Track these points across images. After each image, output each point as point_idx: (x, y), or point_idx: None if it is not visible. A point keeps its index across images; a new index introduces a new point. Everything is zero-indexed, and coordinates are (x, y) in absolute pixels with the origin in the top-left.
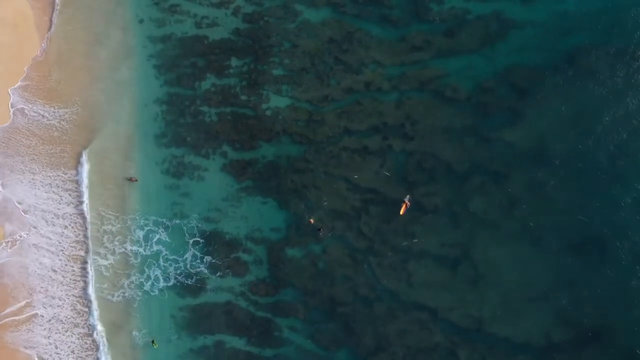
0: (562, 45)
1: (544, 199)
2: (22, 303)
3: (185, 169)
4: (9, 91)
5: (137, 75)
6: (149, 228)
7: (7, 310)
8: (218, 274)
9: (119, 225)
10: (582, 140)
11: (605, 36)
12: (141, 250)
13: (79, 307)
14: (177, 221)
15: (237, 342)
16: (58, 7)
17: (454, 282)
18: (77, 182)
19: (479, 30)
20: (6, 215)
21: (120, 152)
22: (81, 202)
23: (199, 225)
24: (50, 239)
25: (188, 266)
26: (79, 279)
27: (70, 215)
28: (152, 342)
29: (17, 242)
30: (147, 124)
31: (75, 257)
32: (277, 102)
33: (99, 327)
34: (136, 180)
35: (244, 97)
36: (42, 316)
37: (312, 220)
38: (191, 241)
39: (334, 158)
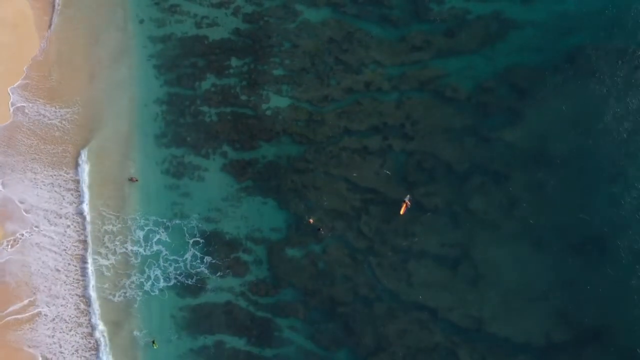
0: (562, 45)
1: (544, 199)
2: (25, 302)
3: (185, 169)
4: (9, 90)
5: (137, 75)
6: (149, 228)
7: (10, 309)
8: (218, 274)
9: (119, 225)
10: (582, 140)
11: (605, 36)
12: (141, 250)
13: (82, 306)
14: (177, 221)
15: (237, 342)
16: (58, 7)
17: (454, 282)
18: (80, 182)
19: (479, 30)
20: (7, 214)
21: (120, 152)
22: (82, 202)
23: (199, 225)
24: (53, 238)
25: (188, 266)
26: (81, 278)
27: (73, 214)
28: (153, 342)
29: (19, 241)
30: (147, 124)
31: (78, 256)
32: (277, 102)
33: (101, 326)
34: (137, 180)
35: (244, 97)
36: (46, 315)
37: (311, 221)
38: (191, 241)
39: (334, 158)
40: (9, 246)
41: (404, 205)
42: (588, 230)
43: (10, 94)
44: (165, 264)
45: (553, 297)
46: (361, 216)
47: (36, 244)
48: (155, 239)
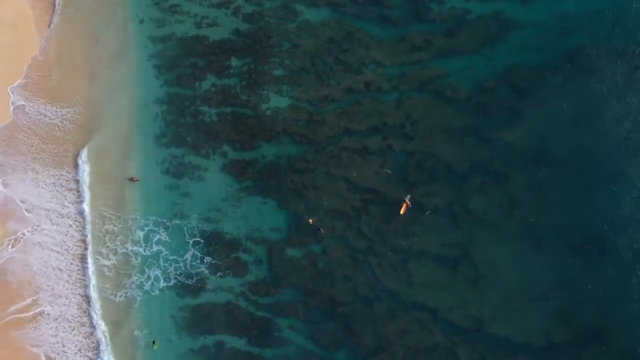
0: (562, 45)
1: (544, 199)
2: (28, 301)
3: (185, 169)
4: (9, 90)
5: (137, 75)
6: (149, 228)
7: (12, 308)
8: (218, 274)
9: (120, 225)
10: (582, 140)
11: (605, 36)
12: (141, 250)
13: (85, 305)
14: (177, 221)
15: (237, 342)
16: (58, 7)
17: (454, 282)
18: (80, 182)
19: (479, 30)
20: (8, 214)
21: (120, 152)
22: (83, 202)
23: (199, 225)
24: (55, 237)
25: (188, 266)
26: (84, 278)
27: (75, 214)
28: (153, 342)
29: (21, 241)
30: (147, 124)
31: (80, 256)
32: (277, 102)
33: (102, 326)
34: (137, 180)
35: (244, 97)
36: (49, 314)
37: (311, 221)
38: (191, 241)
39: (334, 158)
40: (10, 245)
41: (404, 205)
42: (588, 230)
43: (10, 93)
44: (165, 264)
45: (553, 297)
46: (361, 216)
47: (38, 243)
48: (155, 239)
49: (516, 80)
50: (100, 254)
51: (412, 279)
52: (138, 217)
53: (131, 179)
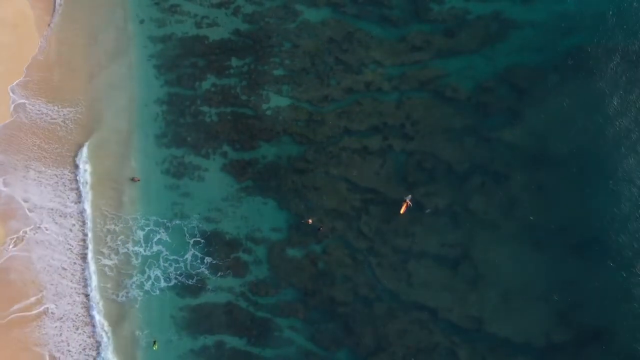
0: (562, 45)
1: (544, 199)
2: (32, 299)
3: (185, 169)
4: (9, 89)
5: (138, 75)
6: (149, 228)
7: (15, 307)
8: (218, 274)
9: (121, 225)
10: (582, 139)
11: (605, 36)
12: (142, 250)
13: (88, 304)
14: (178, 221)
15: (237, 342)
16: (58, 7)
17: (454, 282)
18: (82, 181)
19: (479, 30)
20: (11, 213)
21: (120, 152)
22: (83, 202)
23: (200, 225)
24: (58, 237)
25: (188, 266)
26: (87, 277)
27: (77, 213)
28: (154, 342)
29: (24, 240)
30: (147, 124)
31: (83, 255)
32: (277, 102)
33: (105, 326)
34: (138, 180)
35: (244, 97)
36: (53, 313)
37: (310, 221)
38: (192, 241)
39: (334, 158)
40: (13, 244)
41: (405, 205)
42: (588, 230)
43: (11, 92)
44: (165, 264)
45: (553, 297)
46: (361, 216)
47: (41, 242)
48: (155, 239)
49: (516, 80)
50: (102, 253)
51: (412, 279)
52: (138, 217)
53: (132, 179)
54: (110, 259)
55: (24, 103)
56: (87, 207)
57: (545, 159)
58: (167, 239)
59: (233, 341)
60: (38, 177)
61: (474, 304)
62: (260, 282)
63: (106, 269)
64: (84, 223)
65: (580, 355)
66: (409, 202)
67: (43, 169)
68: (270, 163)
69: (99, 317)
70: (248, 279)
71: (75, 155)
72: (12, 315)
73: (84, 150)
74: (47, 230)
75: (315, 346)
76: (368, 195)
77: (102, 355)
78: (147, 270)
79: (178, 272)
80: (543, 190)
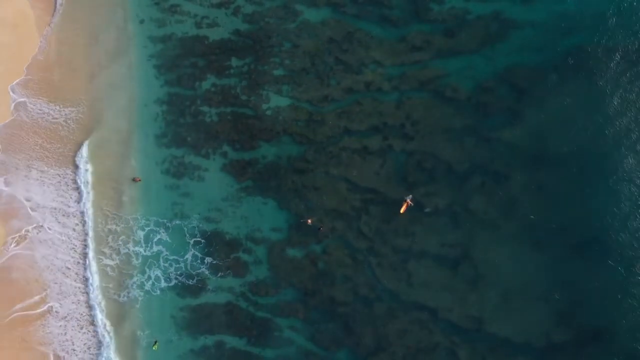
0: (562, 45)
1: (544, 199)
2: (36, 298)
3: (185, 169)
4: (9, 88)
5: (138, 75)
6: (149, 228)
7: (18, 306)
8: (219, 274)
9: (122, 225)
10: (582, 139)
11: (605, 36)
12: (142, 250)
13: (91, 304)
14: (178, 221)
15: (237, 342)
16: (58, 7)
17: (454, 282)
18: (83, 181)
19: (479, 30)
20: (13, 212)
21: (120, 152)
22: (85, 202)
23: (200, 225)
24: (61, 236)
25: (189, 267)
26: (89, 276)
27: (80, 213)
28: (155, 342)
29: (27, 238)
30: (147, 124)
31: (86, 254)
32: (277, 102)
33: (108, 326)
34: (140, 180)
35: (244, 97)
36: (57, 312)
37: (309, 221)
38: (192, 241)
39: (334, 158)
40: (15, 243)
41: (405, 205)
42: (588, 230)
43: (11, 91)
44: (165, 264)
45: (553, 297)
46: (361, 216)
47: (44, 241)
48: (155, 239)
49: (516, 80)
50: (104, 253)
51: (412, 279)
52: (139, 217)
53: (134, 179)
54: (112, 259)
55: (25, 102)
56: (89, 207)
57: (545, 159)
58: (168, 239)
59: (233, 341)
60: (40, 176)
61: (474, 304)
62: (260, 282)
63: (108, 269)
64: (86, 223)
65: (580, 355)
66: (410, 202)
67: (45, 168)
68: (270, 163)
69: (101, 317)
70: (248, 279)
71: (78, 155)
72: (16, 314)
73: (85, 150)
74: (50, 229)
75: (315, 346)
76: (368, 195)
77: (105, 355)
78: (147, 270)
79: (178, 272)
80: (543, 190)
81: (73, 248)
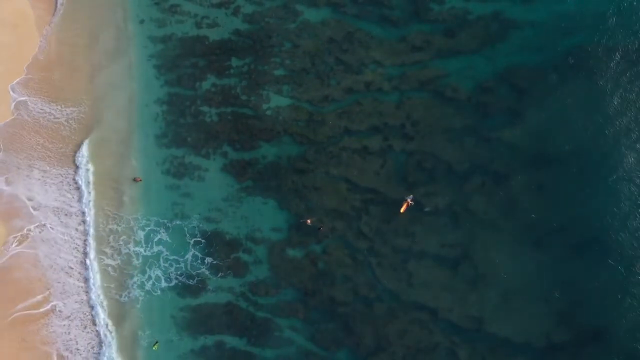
0: (562, 45)
1: (544, 199)
2: (39, 297)
3: (185, 169)
4: (9, 87)
5: (138, 76)
6: (150, 228)
7: (20, 306)
8: (219, 274)
9: (123, 225)
10: (582, 139)
11: (605, 36)
12: (142, 250)
13: (93, 303)
14: (178, 222)
15: (237, 343)
16: (58, 7)
17: (454, 282)
18: (84, 181)
19: (479, 30)
20: (15, 211)
21: (121, 152)
22: (86, 202)
23: (200, 225)
24: (64, 235)
25: (189, 267)
26: (91, 276)
27: (82, 213)
28: (156, 343)
29: (29, 237)
30: (147, 124)
31: (89, 254)
32: (277, 102)
33: (110, 326)
34: (140, 180)
35: (244, 97)
36: (60, 311)
37: (309, 221)
38: (192, 241)
39: (334, 158)
40: (17, 242)
41: (405, 204)
42: (588, 230)
43: (11, 91)
44: (166, 265)
45: (553, 297)
46: (361, 216)
47: (47, 240)
48: (156, 239)
49: (516, 80)
50: (105, 253)
51: (412, 279)
52: (139, 217)
53: (135, 179)
54: (114, 259)
55: (26, 101)
56: (90, 206)
57: (545, 159)
58: (168, 239)
59: (233, 341)
60: (43, 176)
61: (474, 304)
62: (261, 282)
63: (110, 268)
64: (89, 222)
65: (580, 355)
66: (410, 202)
67: (47, 168)
68: (271, 163)
69: (103, 317)
70: (248, 279)
71: (80, 155)
72: (18, 313)
73: (85, 150)
74: (52, 229)
75: (315, 346)
76: (368, 195)
77: (107, 355)
78: (148, 270)
79: (178, 273)
80: (543, 190)
81: (76, 247)
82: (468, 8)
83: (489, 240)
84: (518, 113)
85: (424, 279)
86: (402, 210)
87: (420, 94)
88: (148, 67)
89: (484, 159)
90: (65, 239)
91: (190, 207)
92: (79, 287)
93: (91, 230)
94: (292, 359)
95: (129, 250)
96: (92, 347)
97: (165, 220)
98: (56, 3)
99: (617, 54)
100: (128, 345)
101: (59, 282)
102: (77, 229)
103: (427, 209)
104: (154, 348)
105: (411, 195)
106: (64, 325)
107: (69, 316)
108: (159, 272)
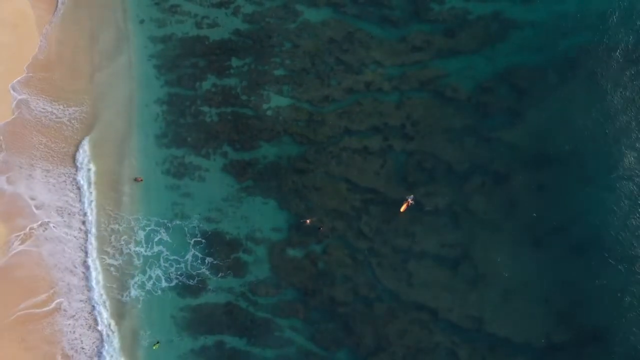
0: (562, 45)
1: (544, 199)
2: (43, 296)
3: (186, 169)
4: (10, 86)
5: (138, 76)
6: (150, 228)
7: (25, 304)
8: (219, 274)
9: (124, 225)
10: (582, 139)
11: (605, 35)
12: (143, 250)
13: (95, 302)
14: (178, 222)
15: (237, 343)
16: (58, 7)
17: (454, 282)
18: (86, 181)
19: (479, 30)
20: (17, 211)
21: (121, 152)
22: (87, 201)
23: (200, 225)
24: (67, 235)
25: (189, 267)
26: (93, 276)
27: (84, 212)
28: (156, 343)
29: (32, 236)
30: (147, 124)
31: (91, 254)
32: (277, 102)
33: (112, 325)
34: (141, 180)
35: (244, 97)
36: (65, 310)
37: (308, 221)
38: (192, 242)
39: (335, 158)
40: (20, 241)
41: (405, 204)
42: (588, 230)
43: (11, 90)
44: (166, 265)
45: (553, 298)
46: (361, 216)
47: (51, 239)
48: (156, 239)
49: (516, 80)
50: (107, 253)
51: (412, 279)
52: (140, 217)
53: (135, 179)
54: (115, 259)
55: (27, 99)
56: (92, 206)
57: (545, 159)
58: (168, 239)
59: (233, 341)
60: (45, 175)
61: (474, 304)
62: (261, 282)
63: (112, 268)
64: (91, 222)
65: (580, 355)
66: (411, 202)
67: (50, 167)
68: (271, 163)
69: (106, 316)
70: (248, 279)
71: (80, 155)
72: (21, 312)
73: (87, 150)
74: (55, 227)
75: (315, 346)
76: (368, 195)
77: (109, 354)
78: (148, 270)
79: (179, 273)
80: (543, 190)
81: (79, 246)
82: (468, 8)
83: (489, 240)
84: (518, 113)
85: (424, 279)
86: (402, 210)
87: (420, 94)
88: (148, 67)
89: (484, 159)
90: (68, 238)
91: (191, 207)
92: (83, 286)
93: (93, 230)
94: (292, 359)
95: (130, 250)
96: (97, 347)
97: (166, 220)
98: (56, 3)
99: (617, 53)
100: (129, 345)
101: (63, 281)
102: (80, 229)
103: (427, 209)
104: (154, 348)
105: (412, 195)
106: (69, 324)
107: (74, 315)
108: (159, 272)
